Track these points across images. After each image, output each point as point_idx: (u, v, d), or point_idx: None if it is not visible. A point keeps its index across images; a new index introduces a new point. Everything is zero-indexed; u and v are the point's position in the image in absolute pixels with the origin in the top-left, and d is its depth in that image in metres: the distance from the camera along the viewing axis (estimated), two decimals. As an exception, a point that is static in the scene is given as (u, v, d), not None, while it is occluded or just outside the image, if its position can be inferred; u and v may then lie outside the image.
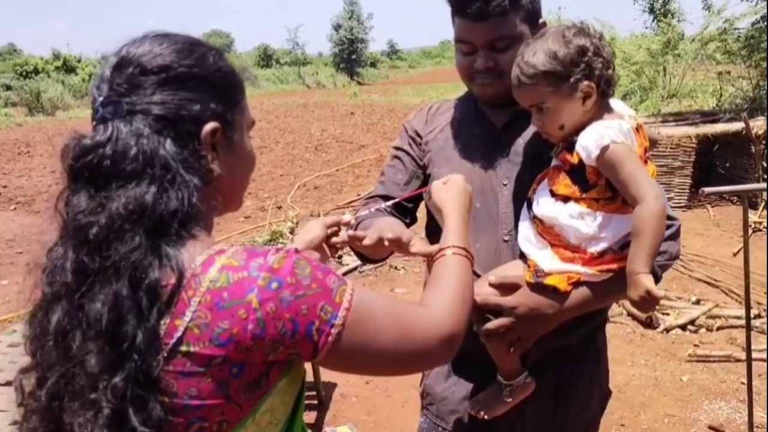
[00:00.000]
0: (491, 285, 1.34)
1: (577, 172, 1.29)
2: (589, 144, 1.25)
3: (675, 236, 1.41)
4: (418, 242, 1.23)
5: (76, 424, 0.77)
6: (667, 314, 4.36)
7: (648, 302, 1.21)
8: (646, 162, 1.32)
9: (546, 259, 1.32)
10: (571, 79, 1.27)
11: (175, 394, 0.78)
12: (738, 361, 3.72)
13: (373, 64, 63.69)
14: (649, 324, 4.27)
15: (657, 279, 1.33)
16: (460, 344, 0.97)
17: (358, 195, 8.65)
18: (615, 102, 1.36)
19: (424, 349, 0.93)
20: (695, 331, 4.21)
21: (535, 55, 1.28)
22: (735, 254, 5.54)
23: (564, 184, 1.30)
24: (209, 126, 0.88)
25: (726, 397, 3.42)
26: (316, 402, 3.44)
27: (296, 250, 0.85)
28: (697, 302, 4.52)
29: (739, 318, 4.21)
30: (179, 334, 0.78)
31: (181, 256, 0.80)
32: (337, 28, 54.88)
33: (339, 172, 10.53)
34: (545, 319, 1.30)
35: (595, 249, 1.29)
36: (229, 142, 0.93)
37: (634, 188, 1.22)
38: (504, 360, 1.38)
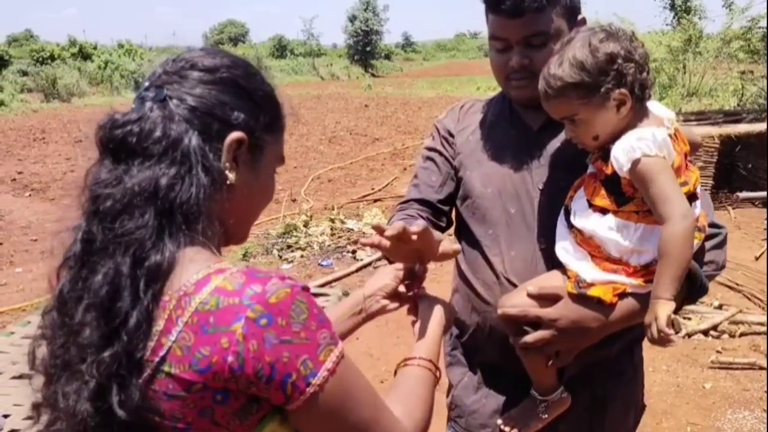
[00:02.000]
0: (530, 296, 1.27)
1: (612, 183, 1.22)
2: (620, 157, 1.18)
3: (721, 245, 1.34)
4: (447, 243, 1.15)
5: (61, 393, 0.77)
6: (689, 319, 4.26)
7: (660, 339, 1.16)
8: (687, 167, 1.25)
9: (587, 269, 1.25)
10: (602, 89, 1.19)
11: (163, 414, 0.76)
12: (762, 369, 3.63)
13: (387, 57, 63.29)
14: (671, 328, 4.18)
15: (705, 290, 1.26)
16: None
17: (372, 189, 8.59)
18: (653, 104, 1.29)
19: None
20: (718, 337, 4.11)
21: (561, 66, 1.20)
22: (757, 258, 5.43)
23: (600, 195, 1.23)
24: (236, 134, 0.87)
25: (750, 406, 3.33)
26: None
27: (304, 288, 0.79)
28: (720, 307, 4.42)
29: (762, 324, 4.12)
30: (163, 352, 0.76)
31: (176, 253, 0.79)
32: (352, 19, 54.54)
33: (353, 165, 10.45)
34: (588, 332, 1.24)
35: (637, 262, 1.22)
36: (252, 161, 0.91)
37: (661, 207, 1.15)
38: (540, 374, 1.32)
